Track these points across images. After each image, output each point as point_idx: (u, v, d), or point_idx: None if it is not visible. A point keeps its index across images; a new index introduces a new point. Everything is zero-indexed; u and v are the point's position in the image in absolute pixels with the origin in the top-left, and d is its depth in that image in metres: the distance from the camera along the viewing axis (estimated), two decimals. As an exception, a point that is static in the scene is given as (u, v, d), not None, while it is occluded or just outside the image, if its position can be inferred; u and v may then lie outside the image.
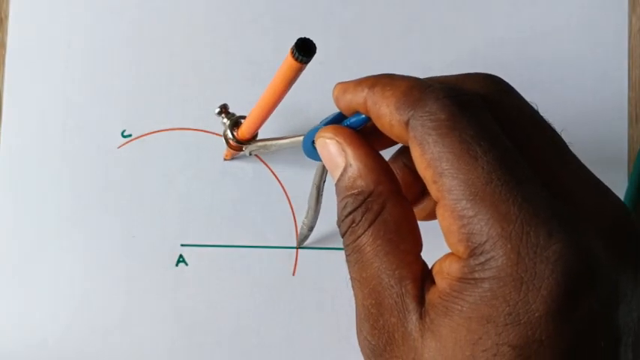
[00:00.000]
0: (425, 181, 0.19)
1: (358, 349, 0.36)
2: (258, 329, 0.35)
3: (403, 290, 0.19)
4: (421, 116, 0.19)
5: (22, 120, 0.36)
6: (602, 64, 0.37)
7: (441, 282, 0.19)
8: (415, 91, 0.19)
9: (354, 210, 0.21)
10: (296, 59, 0.24)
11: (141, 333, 0.35)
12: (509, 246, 0.17)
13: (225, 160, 0.36)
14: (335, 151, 0.22)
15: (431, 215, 0.25)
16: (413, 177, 0.24)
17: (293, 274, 0.35)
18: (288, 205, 0.36)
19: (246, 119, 0.31)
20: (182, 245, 0.35)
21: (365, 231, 0.20)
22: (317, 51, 0.24)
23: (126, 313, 0.35)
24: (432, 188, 0.19)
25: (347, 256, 0.21)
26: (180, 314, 0.35)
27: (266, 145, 0.32)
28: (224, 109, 0.33)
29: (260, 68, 0.36)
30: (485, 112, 0.19)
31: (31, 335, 0.35)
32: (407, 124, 0.19)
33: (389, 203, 0.20)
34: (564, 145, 0.20)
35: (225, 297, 0.35)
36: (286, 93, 0.27)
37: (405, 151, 0.24)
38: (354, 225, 0.21)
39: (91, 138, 0.36)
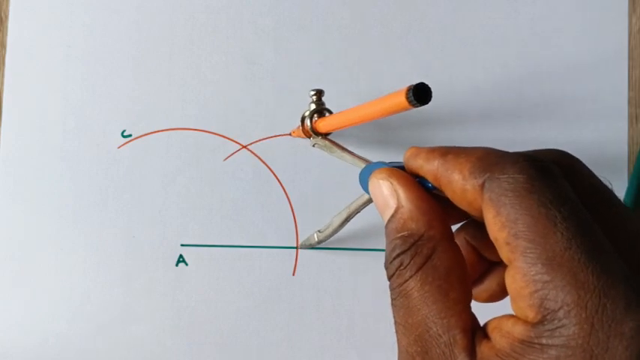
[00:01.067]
0: (496, 243, 0.19)
1: (358, 349, 0.36)
2: (258, 329, 0.35)
3: (452, 340, 0.19)
4: (498, 178, 0.18)
5: (22, 120, 0.36)
6: (602, 64, 0.37)
7: (500, 340, 0.18)
8: (492, 156, 0.19)
9: (403, 252, 0.20)
10: (409, 102, 0.23)
11: (141, 333, 0.35)
12: (583, 315, 0.16)
13: (292, 135, 0.36)
14: (387, 192, 0.21)
15: (493, 297, 0.24)
16: (475, 256, 0.24)
17: (293, 274, 0.35)
18: (288, 205, 0.36)
19: (329, 119, 0.32)
20: (182, 245, 0.35)
21: (413, 275, 0.20)
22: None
23: (126, 312, 0.35)
24: (503, 250, 0.18)
25: (392, 299, 0.20)
26: (180, 314, 0.35)
27: (332, 148, 0.32)
28: (318, 94, 0.33)
29: (260, 68, 0.36)
30: (562, 180, 0.19)
31: (31, 335, 0.35)
32: (481, 186, 0.19)
33: (440, 248, 0.20)
34: (637, 221, 0.20)
35: (225, 297, 0.35)
36: (377, 119, 0.27)
37: (467, 227, 0.24)
38: (401, 268, 0.20)
39: (91, 138, 0.36)
